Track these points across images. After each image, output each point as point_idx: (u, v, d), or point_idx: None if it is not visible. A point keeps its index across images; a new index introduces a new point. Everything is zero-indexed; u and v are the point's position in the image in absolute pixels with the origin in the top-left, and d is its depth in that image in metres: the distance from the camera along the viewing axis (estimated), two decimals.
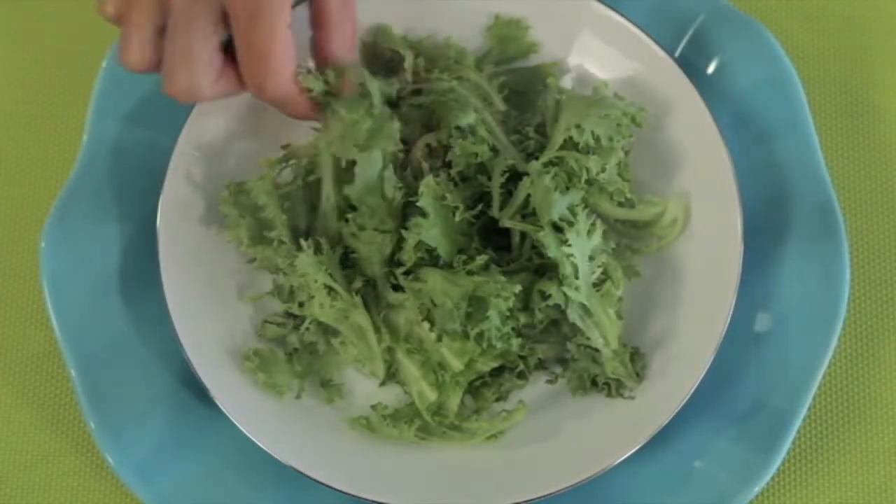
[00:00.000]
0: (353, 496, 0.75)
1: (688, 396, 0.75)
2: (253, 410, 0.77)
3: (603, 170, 0.76)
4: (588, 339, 0.76)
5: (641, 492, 0.77)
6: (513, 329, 0.75)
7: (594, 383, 0.78)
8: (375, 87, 0.76)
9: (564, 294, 0.75)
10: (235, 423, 0.75)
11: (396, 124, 0.75)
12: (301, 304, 0.78)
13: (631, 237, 0.80)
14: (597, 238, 0.75)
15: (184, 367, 0.77)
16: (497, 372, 0.78)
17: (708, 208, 0.79)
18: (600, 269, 0.75)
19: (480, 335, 0.74)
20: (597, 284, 0.75)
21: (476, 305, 0.74)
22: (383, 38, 0.81)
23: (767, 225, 0.80)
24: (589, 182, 0.76)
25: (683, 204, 0.79)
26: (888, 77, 0.87)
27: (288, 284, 0.79)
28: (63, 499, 0.81)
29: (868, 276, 0.84)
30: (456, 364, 0.75)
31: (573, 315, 0.75)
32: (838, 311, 0.77)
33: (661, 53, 0.79)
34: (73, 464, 0.81)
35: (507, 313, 0.74)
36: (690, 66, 0.81)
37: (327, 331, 0.78)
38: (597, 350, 0.76)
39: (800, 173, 0.80)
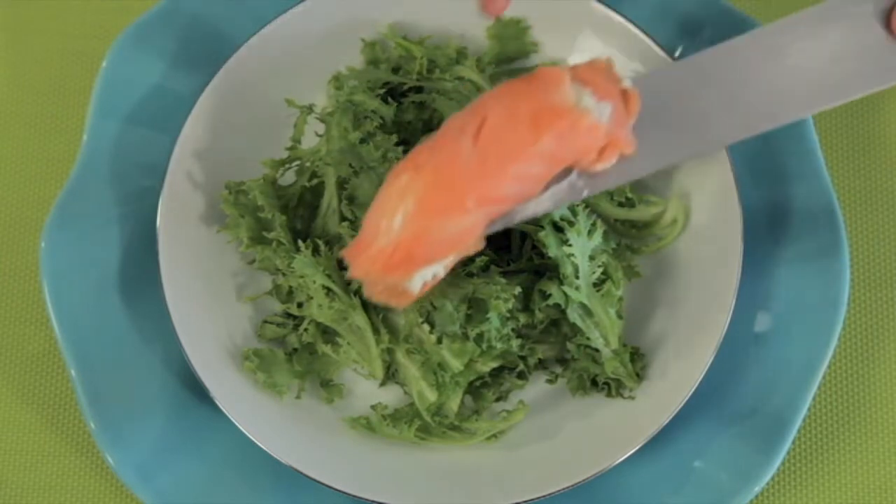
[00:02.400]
0: (353, 496, 0.75)
1: (688, 396, 0.75)
2: (253, 410, 0.77)
3: None
4: (588, 339, 0.76)
5: (641, 492, 0.77)
6: (512, 330, 0.75)
7: (594, 383, 0.78)
8: (376, 107, 0.76)
9: (565, 294, 0.75)
10: (235, 423, 0.75)
11: (398, 150, 0.75)
12: (300, 305, 0.78)
13: (631, 237, 0.80)
14: (597, 238, 0.75)
15: (184, 367, 0.77)
16: (497, 372, 0.78)
17: (708, 208, 0.79)
18: (600, 269, 0.75)
19: (480, 336, 0.74)
20: (597, 284, 0.75)
21: (476, 307, 0.74)
22: (386, 36, 0.81)
23: (767, 225, 0.80)
24: None
25: (683, 204, 0.79)
26: None
27: (287, 285, 0.79)
28: (63, 499, 0.81)
29: (868, 276, 0.84)
30: (456, 365, 0.75)
31: (573, 315, 0.75)
32: (838, 311, 0.77)
33: (661, 53, 0.79)
34: (73, 464, 0.81)
35: (507, 314, 0.74)
36: None
37: (326, 331, 0.78)
38: (597, 350, 0.76)
39: (800, 173, 0.80)
